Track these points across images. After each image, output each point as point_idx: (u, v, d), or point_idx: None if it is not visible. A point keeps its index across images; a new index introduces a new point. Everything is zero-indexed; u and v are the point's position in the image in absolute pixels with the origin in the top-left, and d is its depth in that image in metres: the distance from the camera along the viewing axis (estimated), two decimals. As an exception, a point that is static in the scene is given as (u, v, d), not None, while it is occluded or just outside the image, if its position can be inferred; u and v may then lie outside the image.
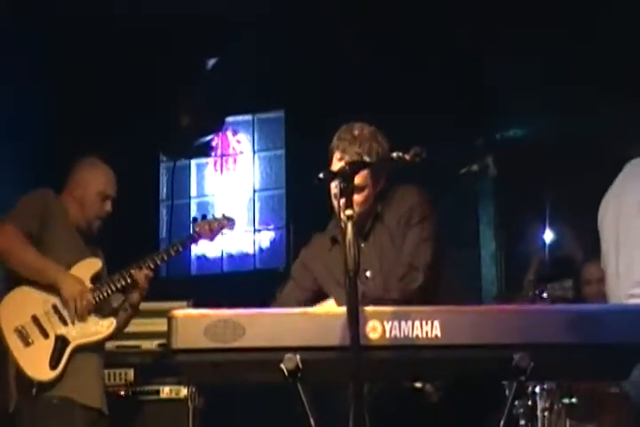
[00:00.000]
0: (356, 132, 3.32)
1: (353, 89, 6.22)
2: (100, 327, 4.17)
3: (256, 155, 7.12)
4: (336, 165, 3.29)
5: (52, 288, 4.09)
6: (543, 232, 5.00)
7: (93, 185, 4.34)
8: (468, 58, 6.08)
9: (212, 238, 4.61)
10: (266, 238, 7.10)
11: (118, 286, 4.24)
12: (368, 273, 3.36)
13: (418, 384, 3.24)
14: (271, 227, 7.07)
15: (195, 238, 4.54)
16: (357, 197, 3.27)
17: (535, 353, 2.66)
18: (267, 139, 7.09)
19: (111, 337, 4.27)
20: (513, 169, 5.99)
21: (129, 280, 4.24)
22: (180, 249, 4.43)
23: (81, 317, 4.11)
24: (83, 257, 4.26)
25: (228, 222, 4.63)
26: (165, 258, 4.35)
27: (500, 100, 6.09)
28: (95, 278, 4.24)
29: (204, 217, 4.67)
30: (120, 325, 4.33)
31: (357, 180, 3.14)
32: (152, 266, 4.31)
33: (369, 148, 3.29)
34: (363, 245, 3.37)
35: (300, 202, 6.64)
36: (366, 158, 3.25)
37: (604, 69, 5.76)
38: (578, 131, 5.96)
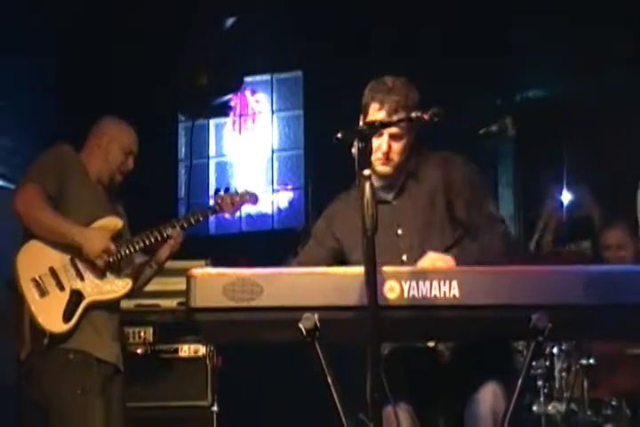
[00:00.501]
0: (390, 84, 3.31)
1: (371, 49, 6.19)
2: (116, 287, 4.17)
3: (274, 115, 7.10)
4: (375, 115, 3.27)
5: (70, 245, 4.11)
6: (561, 192, 4.96)
7: (119, 139, 4.35)
8: (492, 17, 6.01)
9: (233, 213, 4.57)
10: (284, 198, 7.11)
11: (140, 245, 4.24)
12: (399, 230, 3.34)
13: (430, 344, 3.25)
14: (289, 187, 7.07)
15: (216, 211, 4.51)
16: (396, 146, 3.28)
17: (553, 314, 2.65)
18: (285, 99, 7.07)
19: (126, 296, 4.28)
20: (532, 130, 5.96)
21: (154, 239, 4.24)
22: (201, 219, 4.41)
23: (98, 273, 4.13)
24: (104, 214, 4.25)
25: (251, 197, 4.58)
26: (186, 225, 4.34)
27: (521, 60, 6.03)
28: (116, 237, 4.24)
29: (227, 190, 4.62)
30: (143, 282, 4.36)
31: (395, 128, 3.23)
32: (185, 225, 4.31)
33: (405, 97, 3.27)
34: (395, 201, 3.37)
35: (318, 162, 6.63)
36: (402, 110, 3.21)
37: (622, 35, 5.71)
38: (595, 91, 5.92)
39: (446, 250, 3.21)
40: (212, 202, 4.63)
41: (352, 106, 5.96)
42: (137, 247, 4.24)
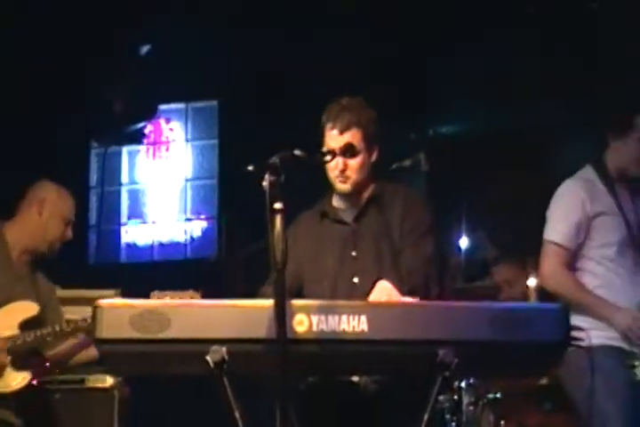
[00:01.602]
0: (345, 103, 3.38)
1: (289, 80, 6.22)
2: (10, 381, 3.91)
3: (189, 143, 7.08)
4: (333, 139, 3.33)
5: None
6: (460, 236, 5.03)
7: (61, 209, 4.17)
8: (408, 56, 6.10)
9: None
10: (197, 228, 7.08)
11: (49, 339, 3.97)
12: (354, 253, 3.37)
13: (355, 378, 3.23)
14: (203, 216, 7.04)
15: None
16: (352, 163, 3.35)
17: (459, 349, 2.68)
18: (200, 128, 7.07)
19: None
20: (445, 165, 6.05)
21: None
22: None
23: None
24: (18, 296, 4.01)
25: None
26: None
27: (436, 96, 6.13)
28: (30, 322, 3.99)
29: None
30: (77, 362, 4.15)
31: (350, 140, 3.30)
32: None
33: (358, 114, 3.34)
34: (354, 224, 3.41)
35: (232, 192, 6.62)
36: (357, 128, 3.31)
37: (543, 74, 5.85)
38: (508, 129, 6.05)
39: (398, 280, 3.24)
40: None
41: (267, 136, 6.01)
42: (45, 340, 3.97)
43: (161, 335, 2.70)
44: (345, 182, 3.38)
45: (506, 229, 5.77)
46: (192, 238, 7.06)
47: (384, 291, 3.09)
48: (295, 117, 5.90)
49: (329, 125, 3.36)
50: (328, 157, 3.26)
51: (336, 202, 3.50)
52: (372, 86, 6.00)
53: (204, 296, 3.40)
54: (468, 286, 5.14)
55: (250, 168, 2.65)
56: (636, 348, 3.83)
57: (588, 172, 4.07)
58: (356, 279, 3.33)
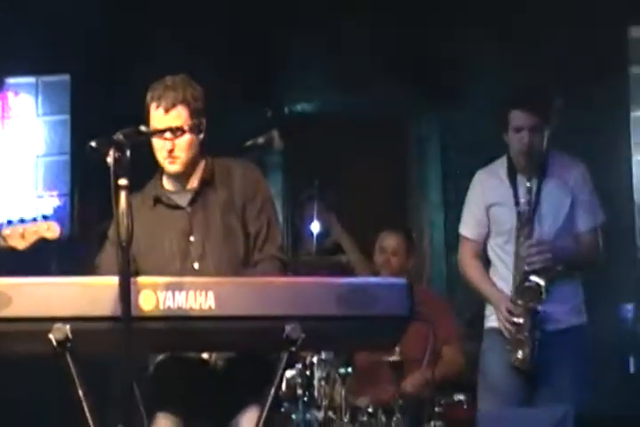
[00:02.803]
0: (169, 82, 3.28)
1: (142, 54, 6.11)
2: None
3: (40, 119, 6.89)
4: (154, 113, 3.23)
5: None
6: (311, 221, 5.04)
7: None
8: (266, 31, 6.07)
9: (26, 247, 4.13)
10: (49, 205, 6.90)
11: None
12: (192, 238, 3.29)
13: (204, 355, 3.23)
14: (55, 193, 6.87)
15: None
16: (180, 142, 3.25)
17: (306, 325, 2.70)
18: (51, 102, 6.87)
19: None
20: (300, 143, 6.07)
21: None
22: None
23: None
24: None
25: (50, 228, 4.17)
26: None
27: (291, 74, 6.13)
28: None
29: (22, 221, 4.17)
30: None
31: (176, 122, 3.21)
32: None
33: (184, 92, 3.25)
34: (189, 208, 3.32)
35: (85, 169, 6.48)
36: (183, 106, 3.23)
37: (392, 50, 5.91)
38: (361, 110, 6.11)
39: (239, 262, 3.24)
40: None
41: (121, 111, 5.90)
42: None
43: (1, 314, 2.65)
44: (174, 163, 3.28)
45: (357, 212, 5.84)
46: (44, 216, 6.87)
47: None
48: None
49: (153, 104, 3.26)
50: (169, 135, 3.18)
51: (167, 184, 3.39)
52: (229, 61, 6.00)
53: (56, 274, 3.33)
54: (319, 259, 5.17)
55: (93, 144, 2.60)
56: (509, 333, 3.94)
57: (500, 162, 4.15)
58: (196, 265, 3.27)
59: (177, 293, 2.73)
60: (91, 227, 6.12)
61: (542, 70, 5.54)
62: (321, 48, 6.03)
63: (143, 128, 2.75)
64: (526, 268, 3.92)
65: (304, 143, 6.29)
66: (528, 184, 4.00)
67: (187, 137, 3.26)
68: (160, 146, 3.26)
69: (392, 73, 5.92)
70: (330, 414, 4.33)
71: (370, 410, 4.42)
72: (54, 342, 2.67)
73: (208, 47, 5.91)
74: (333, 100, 6.21)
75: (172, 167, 3.30)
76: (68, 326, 2.68)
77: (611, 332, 4.22)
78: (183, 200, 3.34)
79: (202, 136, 3.35)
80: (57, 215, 6.82)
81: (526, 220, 3.97)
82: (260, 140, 4.78)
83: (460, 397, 4.54)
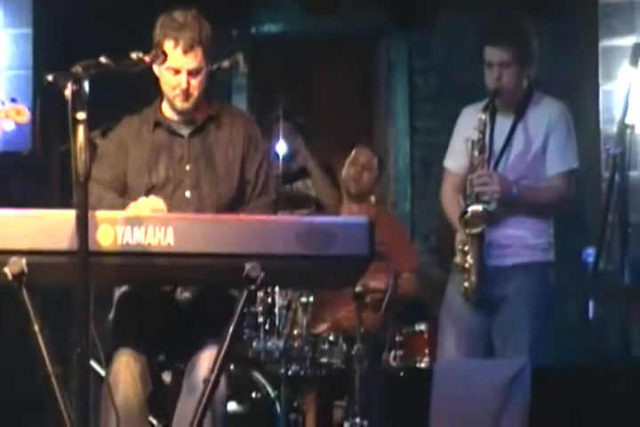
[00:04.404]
0: (182, 20, 3.27)
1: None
2: None
3: (2, 31, 6.71)
4: (171, 53, 3.19)
5: None
6: (277, 140, 4.96)
7: None
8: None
9: None
10: (10, 121, 6.77)
11: None
12: (188, 166, 3.33)
13: (167, 287, 3.22)
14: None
15: None
16: (194, 82, 3.29)
17: (265, 263, 2.68)
18: (13, 16, 6.68)
19: None
20: (266, 64, 5.97)
21: None
22: None
23: None
24: None
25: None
26: None
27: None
28: None
29: None
30: None
31: (194, 64, 3.25)
32: None
33: (199, 32, 3.26)
34: (190, 138, 3.36)
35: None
36: (199, 46, 3.25)
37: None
38: (330, 31, 5.99)
39: (229, 199, 3.27)
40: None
41: (84, 25, 5.76)
42: None
43: (-45, 247, 2.61)
44: (186, 100, 3.32)
45: (324, 135, 5.78)
46: (4, 132, 6.76)
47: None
48: (116, 8, 5.70)
49: (169, 44, 3.24)
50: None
51: (168, 113, 3.42)
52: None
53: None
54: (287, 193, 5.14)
55: (49, 79, 2.53)
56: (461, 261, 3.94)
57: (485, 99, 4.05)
58: (188, 193, 3.30)
59: (136, 228, 2.69)
60: (52, 142, 6.04)
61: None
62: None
63: (104, 60, 2.67)
64: (472, 196, 3.90)
65: (271, 65, 6.20)
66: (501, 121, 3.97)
67: (200, 76, 3.31)
68: (175, 83, 3.29)
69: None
70: (290, 342, 4.36)
71: (331, 338, 4.46)
72: (9, 276, 2.64)
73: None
74: (302, 21, 6.08)
75: (185, 105, 3.33)
76: (23, 260, 2.65)
77: (573, 275, 4.23)
78: (184, 130, 3.39)
79: (207, 72, 3.37)
80: (19, 130, 6.72)
81: (479, 151, 3.93)
82: (225, 63, 4.69)
83: (421, 327, 4.58)
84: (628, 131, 3.33)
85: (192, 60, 3.26)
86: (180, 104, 3.33)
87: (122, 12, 5.80)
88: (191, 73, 3.27)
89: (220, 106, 3.47)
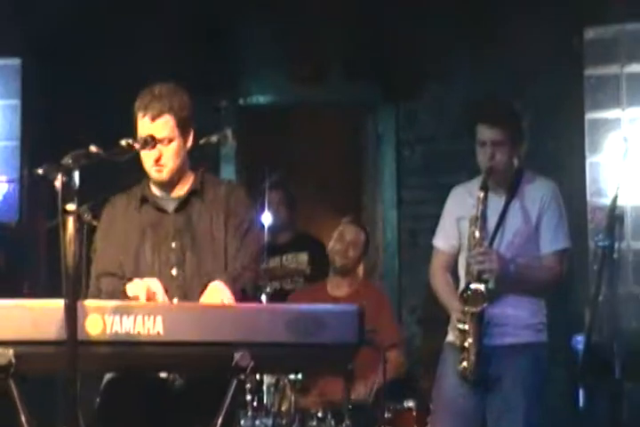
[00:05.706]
0: (156, 91, 3.29)
1: (93, 40, 6.00)
2: None
3: (-11, 103, 6.74)
4: (144, 127, 3.22)
5: None
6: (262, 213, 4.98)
7: None
8: (219, 20, 5.98)
9: None
10: (-2, 191, 6.78)
11: None
12: (173, 244, 3.29)
13: (162, 374, 3.17)
14: (4, 179, 6.75)
15: None
16: (166, 151, 3.26)
17: (255, 351, 2.67)
18: (1, 87, 6.72)
19: None
20: (254, 136, 6.01)
21: None
22: None
23: None
24: None
25: None
26: None
27: (247, 66, 6.04)
28: None
29: None
30: None
31: (163, 132, 3.22)
32: None
33: (170, 101, 3.25)
34: (174, 214, 3.34)
35: (35, 155, 6.37)
36: (169, 115, 3.24)
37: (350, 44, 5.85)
38: (317, 103, 6.04)
39: (217, 274, 3.20)
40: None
41: (72, 97, 5.79)
42: None
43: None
44: (161, 171, 3.29)
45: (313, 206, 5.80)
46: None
47: (217, 293, 3.06)
48: (104, 78, 5.73)
49: (140, 113, 3.26)
50: (143, 147, 3.12)
51: (155, 190, 3.40)
52: (185, 51, 5.89)
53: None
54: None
55: (40, 171, 2.54)
56: (457, 340, 3.92)
57: (478, 178, 4.06)
58: (174, 271, 3.27)
59: (125, 317, 2.69)
60: (39, 214, 6.04)
61: (499, 69, 5.53)
62: (277, 40, 5.95)
63: (93, 149, 2.68)
64: (471, 274, 3.90)
65: (259, 136, 6.25)
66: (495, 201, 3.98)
67: (173, 145, 3.27)
68: (146, 154, 3.26)
69: (350, 67, 5.86)
70: (278, 419, 4.32)
71: (319, 415, 4.43)
72: (-3, 367, 2.62)
73: (162, 38, 5.80)
74: (289, 92, 6.13)
75: (159, 175, 3.31)
76: (11, 351, 2.64)
77: (564, 362, 4.22)
78: (169, 206, 3.36)
79: (189, 144, 3.35)
80: (5, 201, 6.72)
81: (478, 228, 3.94)
82: (214, 138, 4.76)
83: (410, 403, 4.55)
84: (617, 223, 3.35)
85: (162, 128, 3.23)
86: (155, 175, 3.30)
87: (109, 84, 5.84)
88: (162, 141, 3.23)
89: (206, 178, 3.42)
